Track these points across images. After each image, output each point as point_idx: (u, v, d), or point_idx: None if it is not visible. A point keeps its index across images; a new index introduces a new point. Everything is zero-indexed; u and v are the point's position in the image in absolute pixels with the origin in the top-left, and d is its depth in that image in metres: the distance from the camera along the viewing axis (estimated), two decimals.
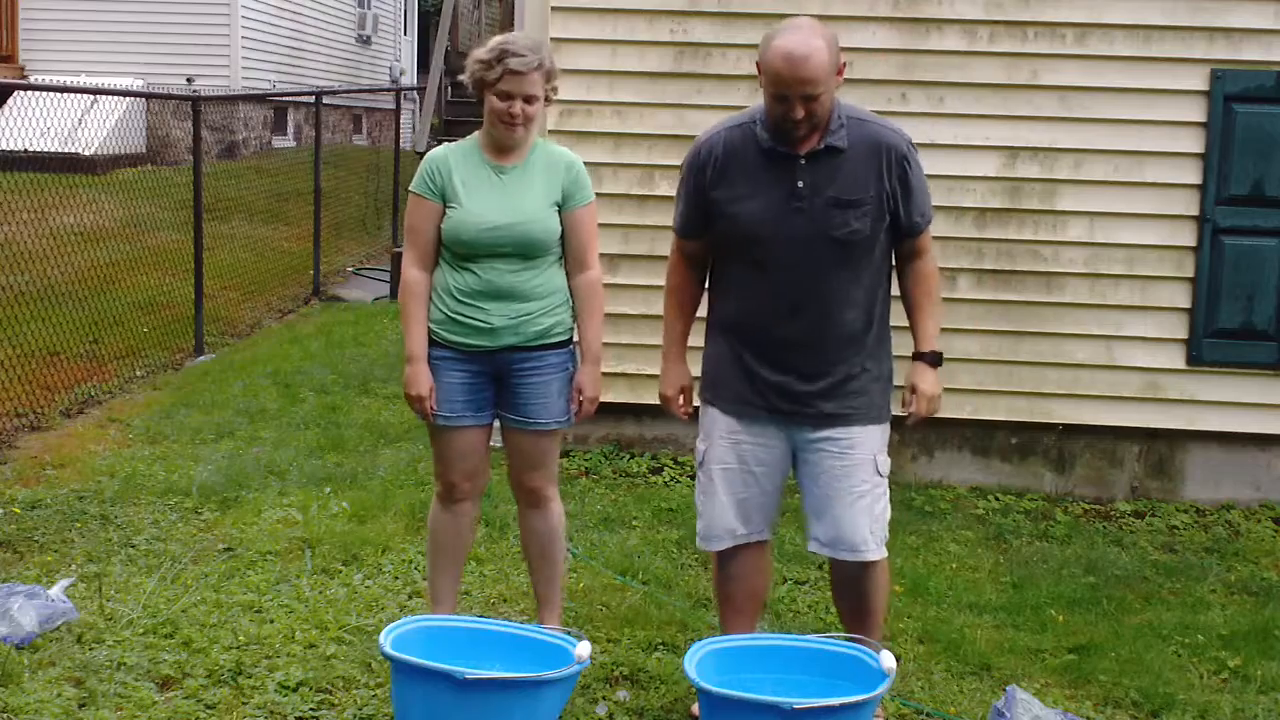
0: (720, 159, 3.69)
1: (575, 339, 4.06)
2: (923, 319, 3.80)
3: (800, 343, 3.67)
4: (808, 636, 3.86)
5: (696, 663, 3.47)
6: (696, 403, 3.94)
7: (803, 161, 3.61)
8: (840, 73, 3.57)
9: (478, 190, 3.91)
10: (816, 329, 3.67)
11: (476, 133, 4.03)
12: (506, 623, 3.98)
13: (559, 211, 3.94)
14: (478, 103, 3.95)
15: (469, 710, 3.37)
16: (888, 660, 3.46)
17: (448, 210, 3.91)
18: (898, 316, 3.82)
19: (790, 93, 3.46)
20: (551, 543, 4.18)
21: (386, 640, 3.48)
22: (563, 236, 3.96)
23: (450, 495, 4.10)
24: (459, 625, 3.77)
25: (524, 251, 3.89)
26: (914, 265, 3.80)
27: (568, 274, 4.02)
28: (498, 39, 3.89)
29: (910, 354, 3.82)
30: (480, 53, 3.88)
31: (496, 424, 4.09)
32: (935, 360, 3.79)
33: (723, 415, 3.80)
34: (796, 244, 3.62)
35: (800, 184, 3.61)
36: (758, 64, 3.58)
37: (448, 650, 3.56)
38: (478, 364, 3.95)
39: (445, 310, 3.94)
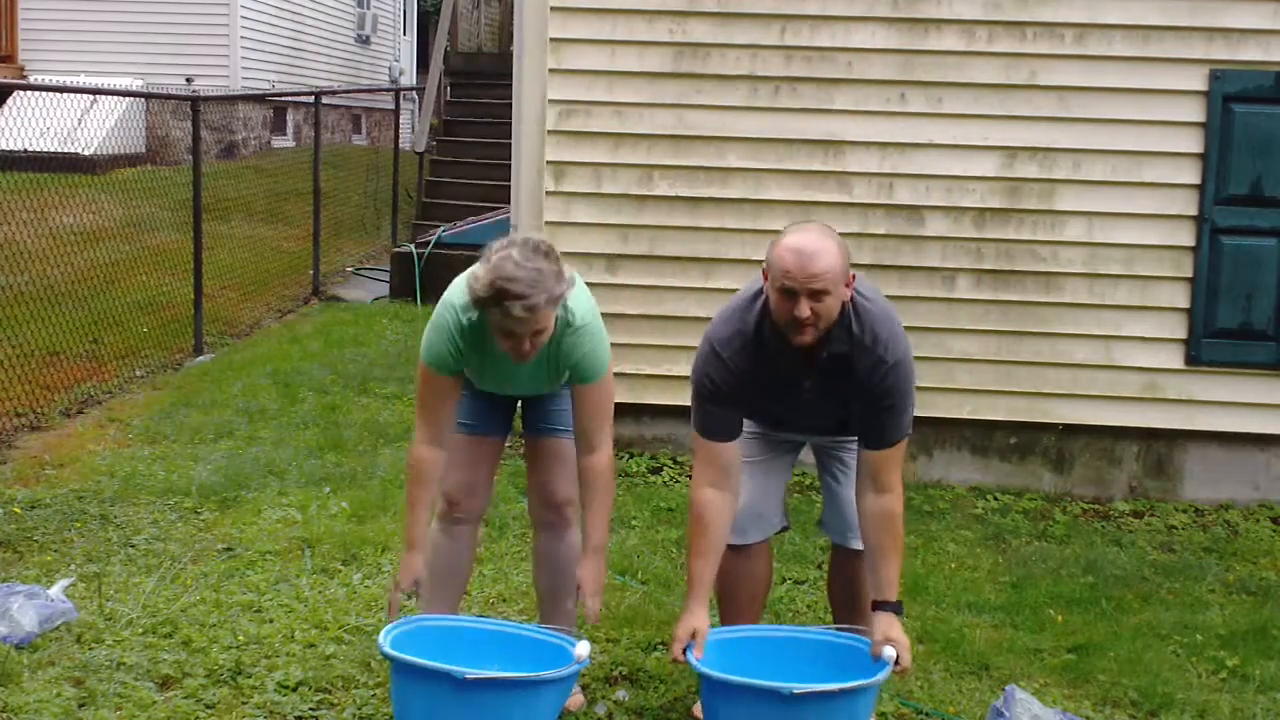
0: (733, 384, 3.63)
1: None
2: (887, 567, 3.60)
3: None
4: (808, 628, 3.87)
5: None
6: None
7: (806, 383, 3.61)
8: (849, 284, 3.46)
9: (484, 368, 3.73)
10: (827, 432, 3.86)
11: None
12: (506, 623, 3.98)
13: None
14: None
15: (468, 710, 3.38)
16: (887, 650, 3.48)
17: None
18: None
19: (798, 286, 3.36)
20: (562, 575, 3.90)
21: (386, 640, 3.48)
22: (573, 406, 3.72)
23: (448, 513, 3.92)
24: (459, 625, 3.78)
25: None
26: (878, 503, 3.58)
27: (577, 451, 3.73)
28: (493, 271, 3.36)
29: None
30: (478, 287, 3.38)
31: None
32: (899, 610, 3.60)
33: None
34: (809, 419, 3.77)
35: (806, 385, 3.61)
36: (764, 267, 3.47)
37: (447, 650, 3.56)
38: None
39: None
